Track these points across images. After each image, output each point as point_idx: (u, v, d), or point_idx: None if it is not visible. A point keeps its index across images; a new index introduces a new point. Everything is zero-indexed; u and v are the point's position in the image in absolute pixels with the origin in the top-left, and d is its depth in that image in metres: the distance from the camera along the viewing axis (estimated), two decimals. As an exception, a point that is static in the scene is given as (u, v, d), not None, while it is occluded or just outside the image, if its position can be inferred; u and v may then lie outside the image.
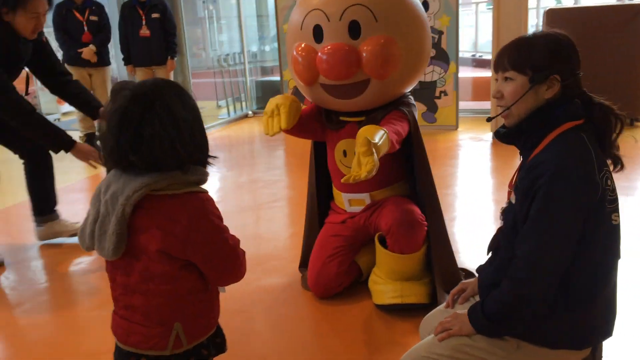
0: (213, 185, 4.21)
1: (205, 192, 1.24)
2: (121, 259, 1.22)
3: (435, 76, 5.43)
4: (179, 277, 1.21)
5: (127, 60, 5.52)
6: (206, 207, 1.21)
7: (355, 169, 1.74)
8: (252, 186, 4.24)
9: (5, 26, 2.55)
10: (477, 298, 1.55)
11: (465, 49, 10.13)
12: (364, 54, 2.02)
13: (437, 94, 5.49)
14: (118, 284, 1.26)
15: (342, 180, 1.86)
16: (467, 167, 4.48)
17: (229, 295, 2.43)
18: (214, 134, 6.41)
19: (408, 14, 2.10)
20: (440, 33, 5.32)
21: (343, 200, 2.35)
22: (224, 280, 1.30)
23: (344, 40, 2.02)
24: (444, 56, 5.36)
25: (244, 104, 7.62)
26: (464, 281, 1.66)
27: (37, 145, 2.93)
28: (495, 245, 1.54)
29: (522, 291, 1.34)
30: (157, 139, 1.14)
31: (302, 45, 2.13)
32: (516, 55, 1.42)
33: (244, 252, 1.31)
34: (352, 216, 2.37)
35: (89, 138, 5.25)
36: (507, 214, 1.47)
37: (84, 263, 2.92)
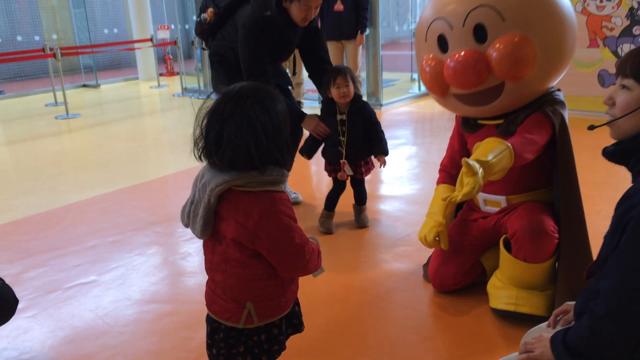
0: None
1: (280, 191, 1.34)
2: (209, 239, 1.41)
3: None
4: (248, 264, 1.37)
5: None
6: (276, 206, 1.32)
7: (457, 188, 1.70)
8: (421, 166, 4.27)
9: (283, 12, 2.84)
10: None
11: None
12: (493, 58, 1.91)
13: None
14: (207, 259, 1.47)
15: (442, 199, 1.83)
16: None
17: (353, 271, 2.58)
18: (398, 109, 6.50)
19: (540, 6, 1.92)
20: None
21: (478, 198, 2.30)
22: (288, 273, 1.41)
23: (469, 46, 1.94)
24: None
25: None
26: (568, 302, 1.56)
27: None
28: (591, 271, 1.43)
29: (601, 329, 1.24)
30: (232, 144, 1.27)
31: (429, 56, 2.09)
32: (635, 62, 1.28)
33: (313, 250, 1.41)
34: (484, 216, 2.31)
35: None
36: (604, 241, 1.36)
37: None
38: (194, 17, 8.69)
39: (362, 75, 6.56)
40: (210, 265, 1.46)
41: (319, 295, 2.44)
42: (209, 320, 1.50)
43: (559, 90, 2.15)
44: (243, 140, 1.27)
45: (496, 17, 1.88)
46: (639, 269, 1.19)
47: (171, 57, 10.52)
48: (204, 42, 3.30)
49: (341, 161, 2.97)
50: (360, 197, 3.16)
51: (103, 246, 3.05)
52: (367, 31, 5.98)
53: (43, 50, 7.15)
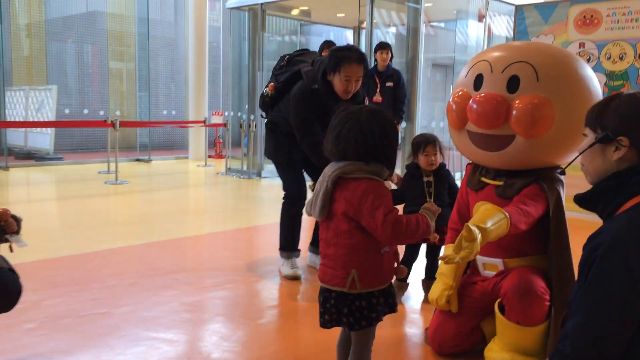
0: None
1: (379, 180, 1.78)
2: (324, 220, 1.82)
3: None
4: (354, 234, 1.76)
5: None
6: (373, 189, 1.74)
7: (455, 250, 1.79)
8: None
9: (327, 84, 3.14)
10: None
11: None
12: (515, 107, 2.01)
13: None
14: (322, 239, 1.86)
15: (438, 258, 1.93)
16: None
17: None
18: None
19: (573, 81, 2.04)
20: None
21: (478, 262, 2.34)
22: (382, 241, 1.76)
23: (500, 91, 2.05)
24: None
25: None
26: None
27: None
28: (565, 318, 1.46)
29: None
30: (345, 138, 1.77)
31: (461, 90, 2.20)
32: (591, 112, 1.44)
33: (399, 221, 1.72)
34: (484, 279, 2.33)
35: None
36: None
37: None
38: (246, 106, 9.28)
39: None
40: (325, 244, 1.84)
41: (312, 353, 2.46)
42: (321, 291, 1.86)
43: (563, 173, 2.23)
44: (353, 136, 1.75)
45: (533, 75, 2.00)
46: (604, 308, 1.22)
47: (222, 141, 11.10)
48: (265, 113, 3.59)
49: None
50: (432, 270, 2.97)
51: (121, 286, 3.18)
52: (404, 124, 6.24)
53: (105, 121, 7.75)
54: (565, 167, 1.55)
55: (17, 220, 1.88)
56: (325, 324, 1.84)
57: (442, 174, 2.99)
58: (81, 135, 11.24)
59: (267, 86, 3.52)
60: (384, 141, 1.78)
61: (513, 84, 2.04)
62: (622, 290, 1.20)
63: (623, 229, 1.25)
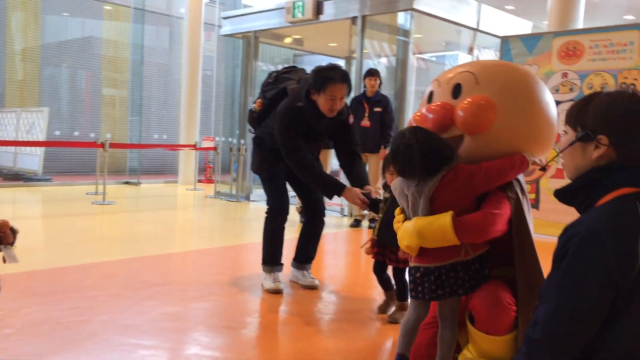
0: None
1: (456, 165, 1.99)
2: None
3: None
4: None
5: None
6: (459, 169, 2.00)
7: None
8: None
9: (312, 103, 3.20)
10: None
11: None
12: (458, 109, 2.09)
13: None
14: None
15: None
16: None
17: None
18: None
19: (514, 80, 2.12)
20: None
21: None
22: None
23: (446, 100, 2.15)
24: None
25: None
26: None
27: (315, 209, 3.57)
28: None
29: (535, 353, 1.27)
30: (402, 158, 2.02)
31: (419, 111, 2.30)
32: (571, 110, 1.47)
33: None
34: (458, 290, 2.35)
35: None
36: None
37: (243, 292, 3.38)
38: (237, 132, 9.36)
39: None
40: None
41: None
42: (414, 269, 2.07)
43: (544, 169, 2.26)
44: (407, 155, 2.00)
45: (472, 80, 2.11)
46: (575, 297, 1.24)
47: (212, 165, 11.14)
48: (252, 128, 3.66)
49: (372, 238, 2.95)
50: (399, 291, 3.00)
51: (103, 297, 3.16)
52: (392, 149, 6.32)
53: (95, 142, 7.78)
54: (546, 164, 1.59)
55: (14, 232, 1.89)
56: (419, 294, 2.06)
57: None
58: (71, 158, 11.25)
59: (255, 102, 3.59)
60: (435, 150, 2.03)
61: (456, 90, 2.15)
62: (595, 281, 1.22)
63: (599, 221, 1.27)
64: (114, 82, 12.23)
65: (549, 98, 2.18)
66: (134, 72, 11.69)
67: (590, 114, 1.39)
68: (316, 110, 3.18)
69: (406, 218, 2.15)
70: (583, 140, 1.39)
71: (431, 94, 2.27)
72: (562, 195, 1.48)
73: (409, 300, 2.94)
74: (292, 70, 3.58)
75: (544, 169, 1.72)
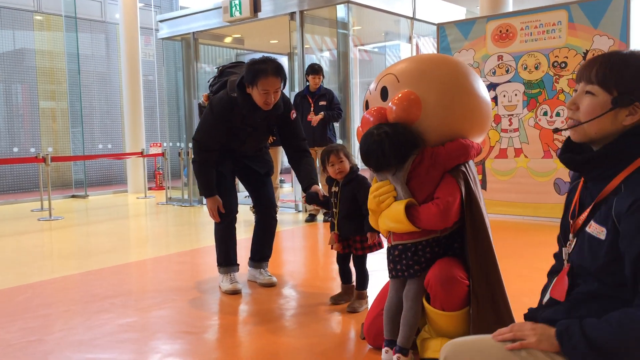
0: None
1: (423, 149, 2.12)
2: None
3: None
4: None
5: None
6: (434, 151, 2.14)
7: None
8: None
9: (247, 97, 3.17)
10: None
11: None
12: (387, 108, 2.21)
13: None
14: None
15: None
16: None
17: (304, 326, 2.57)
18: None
19: (433, 71, 2.20)
20: None
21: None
22: None
23: (378, 104, 2.27)
24: None
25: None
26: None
27: (265, 206, 3.58)
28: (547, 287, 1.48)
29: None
30: (374, 155, 2.13)
31: (362, 119, 2.40)
32: (606, 70, 1.30)
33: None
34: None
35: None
36: (592, 248, 1.32)
37: (201, 296, 3.34)
38: (184, 135, 9.22)
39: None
40: None
41: None
42: (392, 248, 2.19)
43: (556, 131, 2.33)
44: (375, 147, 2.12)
45: (394, 80, 2.22)
46: None
47: (162, 172, 10.94)
48: None
49: (332, 233, 2.98)
50: (358, 280, 3.03)
51: (55, 314, 3.08)
52: (340, 141, 6.37)
53: (36, 157, 7.51)
54: (561, 130, 1.53)
55: None
56: (396, 272, 2.20)
57: (348, 181, 2.93)
58: (12, 175, 10.82)
59: (202, 96, 3.60)
60: (400, 143, 2.14)
61: (384, 93, 2.25)
62: None
63: None
64: (52, 93, 11.81)
65: (472, 78, 2.26)
66: (72, 82, 11.32)
67: (634, 76, 1.27)
68: (250, 100, 3.17)
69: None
70: (621, 104, 1.27)
71: (367, 103, 2.38)
72: (584, 163, 1.35)
73: (366, 290, 3.04)
74: (237, 65, 3.57)
75: (556, 130, 1.57)
